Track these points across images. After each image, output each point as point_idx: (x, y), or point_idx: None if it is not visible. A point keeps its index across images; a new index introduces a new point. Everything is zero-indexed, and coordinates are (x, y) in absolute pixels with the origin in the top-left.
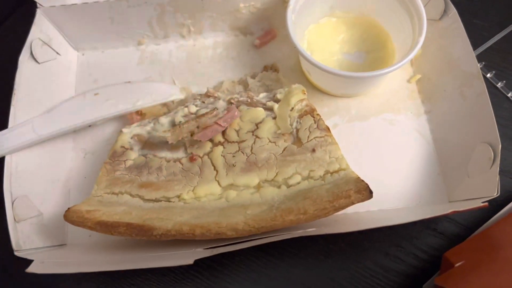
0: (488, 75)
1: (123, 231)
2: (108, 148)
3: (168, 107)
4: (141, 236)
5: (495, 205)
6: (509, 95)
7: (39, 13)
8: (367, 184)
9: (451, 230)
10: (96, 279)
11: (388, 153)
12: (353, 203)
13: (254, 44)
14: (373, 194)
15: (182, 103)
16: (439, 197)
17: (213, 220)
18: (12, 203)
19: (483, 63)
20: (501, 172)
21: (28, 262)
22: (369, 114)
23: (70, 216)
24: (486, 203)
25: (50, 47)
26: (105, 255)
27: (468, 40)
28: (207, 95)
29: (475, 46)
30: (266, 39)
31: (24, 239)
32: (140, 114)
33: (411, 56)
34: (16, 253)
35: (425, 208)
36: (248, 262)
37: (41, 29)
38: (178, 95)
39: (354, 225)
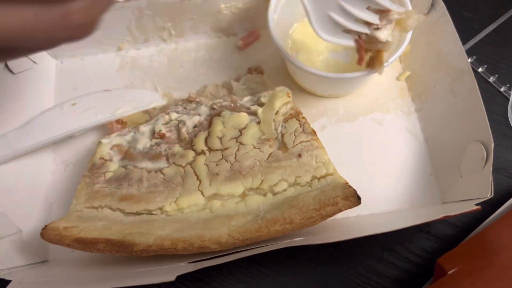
0: (480, 69)
1: (102, 248)
2: (90, 159)
3: (150, 114)
4: (121, 252)
5: (490, 205)
6: (501, 89)
7: None
8: (354, 190)
9: (445, 232)
10: None
11: (379, 154)
12: (340, 210)
13: (238, 46)
14: (364, 197)
15: (164, 109)
16: (432, 198)
17: (195, 233)
18: None
19: (474, 57)
20: (496, 170)
21: (6, 282)
22: (357, 114)
23: (47, 234)
24: (479, 207)
25: (26, 56)
26: (87, 271)
27: (457, 34)
28: (189, 100)
29: (465, 39)
30: (249, 40)
31: (2, 258)
32: (121, 123)
33: (398, 53)
34: None
35: (418, 211)
36: (236, 273)
37: None
38: (160, 102)
39: (344, 233)
